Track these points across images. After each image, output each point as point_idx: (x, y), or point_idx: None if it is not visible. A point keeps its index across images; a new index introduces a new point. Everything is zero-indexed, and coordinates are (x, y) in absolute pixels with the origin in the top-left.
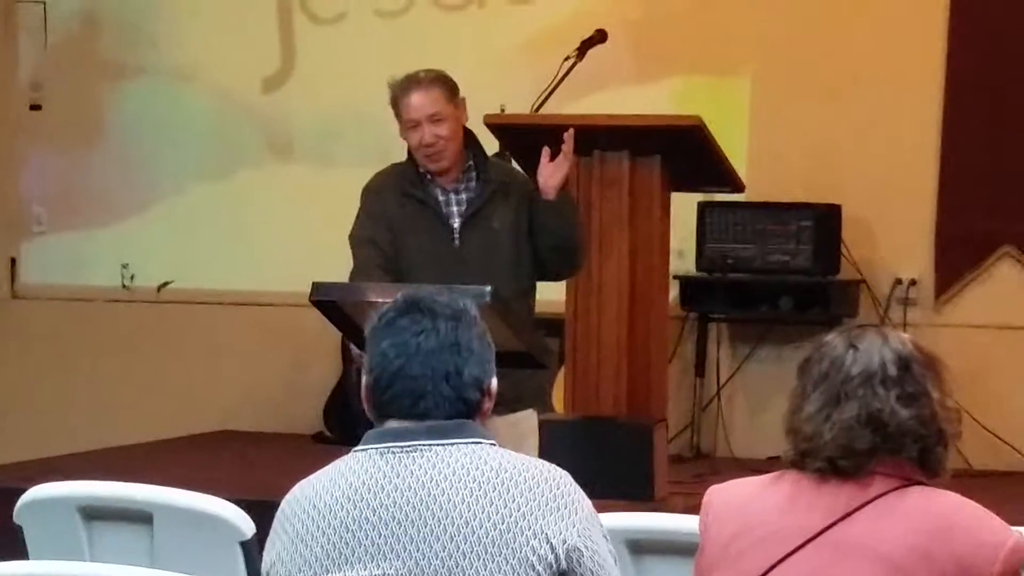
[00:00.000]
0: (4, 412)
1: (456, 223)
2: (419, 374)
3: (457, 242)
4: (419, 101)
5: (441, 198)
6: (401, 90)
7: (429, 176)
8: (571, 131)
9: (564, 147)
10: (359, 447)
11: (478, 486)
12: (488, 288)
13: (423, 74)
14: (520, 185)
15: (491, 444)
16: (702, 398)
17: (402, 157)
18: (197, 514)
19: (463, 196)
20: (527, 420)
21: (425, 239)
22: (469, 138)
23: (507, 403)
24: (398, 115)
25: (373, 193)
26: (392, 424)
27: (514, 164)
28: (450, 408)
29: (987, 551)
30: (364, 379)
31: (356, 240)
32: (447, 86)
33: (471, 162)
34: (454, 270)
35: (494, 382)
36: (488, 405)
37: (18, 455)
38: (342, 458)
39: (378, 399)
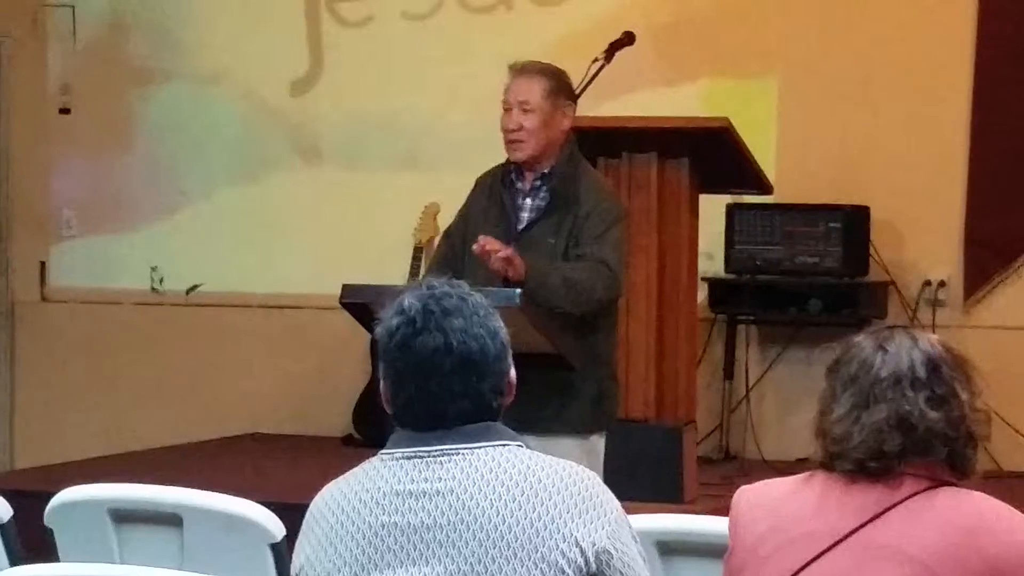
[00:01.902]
0: (34, 415)
1: (519, 229)
2: (437, 396)
3: (514, 248)
4: (517, 86)
5: (518, 201)
6: (513, 72)
7: (515, 176)
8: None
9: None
10: (386, 450)
11: (506, 490)
12: (518, 291)
13: (536, 64)
14: (581, 208)
15: (518, 445)
16: (731, 400)
17: (425, 162)
18: (227, 517)
19: (535, 203)
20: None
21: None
22: (568, 145)
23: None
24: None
25: (476, 185)
26: (417, 430)
27: (599, 176)
28: (472, 417)
29: (1017, 551)
30: (382, 387)
31: (445, 232)
32: (552, 82)
33: (549, 171)
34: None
35: (512, 375)
36: (509, 399)
37: (48, 458)
38: (369, 460)
39: (398, 412)
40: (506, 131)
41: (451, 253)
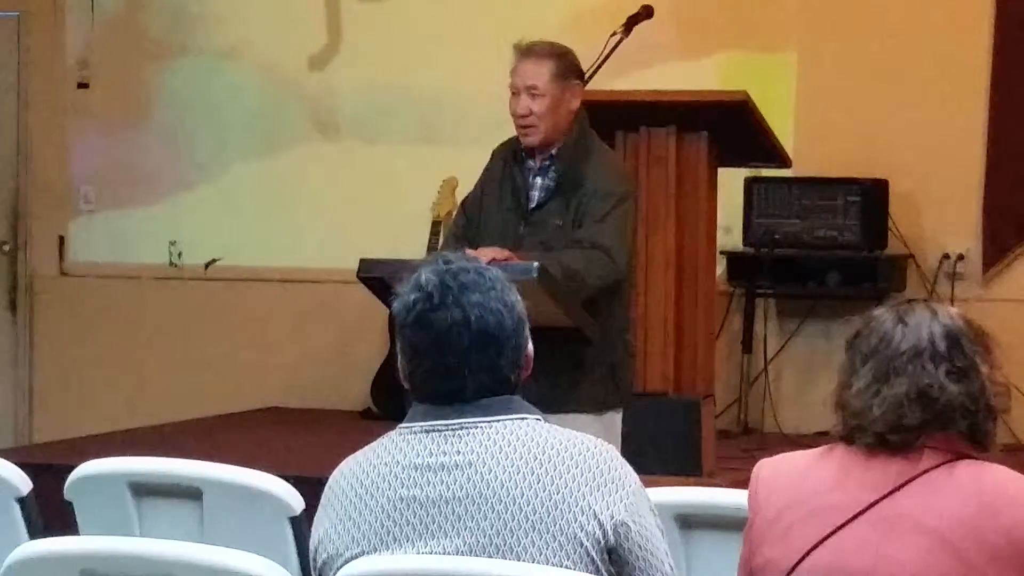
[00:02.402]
0: (53, 389)
1: (529, 207)
2: (455, 371)
3: (522, 228)
4: (524, 70)
5: (529, 179)
6: (518, 56)
7: (525, 154)
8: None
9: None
10: (404, 424)
11: (525, 463)
12: (535, 264)
13: (543, 45)
14: (587, 187)
15: (536, 419)
16: (749, 373)
17: (444, 136)
18: (246, 490)
19: (544, 182)
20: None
21: (499, 218)
22: (578, 124)
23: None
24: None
25: (492, 156)
26: (435, 403)
27: (608, 153)
28: (490, 390)
29: None
30: (399, 362)
31: (461, 204)
32: (560, 64)
33: (557, 151)
34: (514, 252)
35: (530, 348)
36: (528, 372)
37: (67, 432)
38: (388, 434)
39: (416, 387)
40: (516, 116)
41: (468, 224)
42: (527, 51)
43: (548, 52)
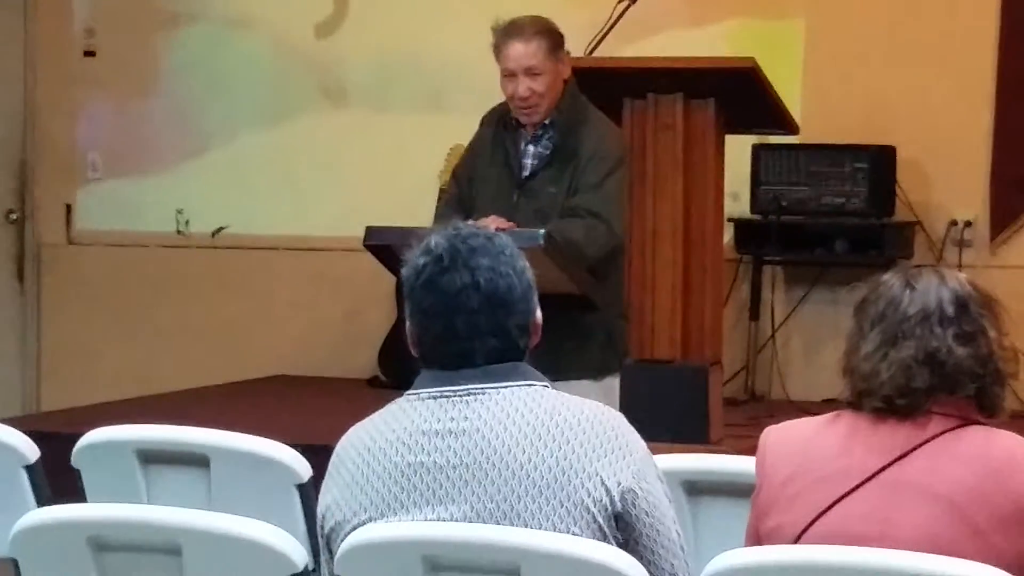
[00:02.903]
0: (60, 358)
1: (523, 177)
2: (464, 333)
3: (516, 197)
4: (518, 52)
5: (521, 147)
6: (503, 37)
7: (516, 122)
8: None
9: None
10: (411, 391)
11: (532, 429)
12: (541, 231)
13: (528, 23)
14: (582, 153)
15: (544, 386)
16: (757, 341)
17: (451, 103)
18: (254, 457)
19: (537, 150)
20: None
21: (493, 187)
22: (568, 90)
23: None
24: (498, 61)
25: (481, 126)
26: (444, 369)
27: (601, 119)
28: (499, 355)
29: None
30: (408, 328)
31: (453, 173)
32: (551, 39)
33: (551, 119)
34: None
35: (539, 315)
36: (535, 339)
37: (75, 400)
38: (395, 401)
39: (425, 353)
40: (517, 99)
41: (460, 194)
42: (512, 32)
43: (536, 30)
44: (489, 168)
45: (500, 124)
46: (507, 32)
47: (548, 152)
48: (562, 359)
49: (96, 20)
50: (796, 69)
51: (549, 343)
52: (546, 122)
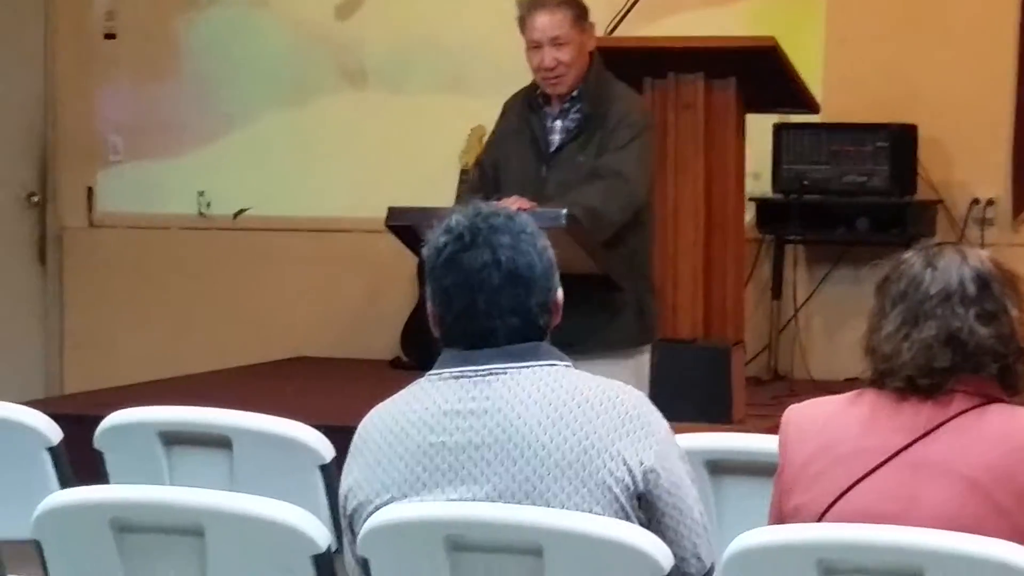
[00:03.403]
0: (83, 340)
1: (550, 151)
2: (485, 311)
3: (544, 171)
4: (543, 23)
5: (547, 124)
6: (528, 9)
7: (542, 100)
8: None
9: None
10: (433, 371)
11: (554, 409)
12: (564, 211)
13: None
14: (609, 122)
15: (566, 365)
16: (779, 320)
17: (471, 84)
18: (276, 438)
19: (564, 124)
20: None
21: (519, 165)
22: (594, 63)
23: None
24: (522, 33)
25: (504, 110)
26: (464, 349)
27: (626, 89)
28: (520, 334)
29: None
30: (429, 308)
31: (477, 160)
32: (575, 9)
33: (577, 93)
34: (537, 198)
35: (559, 295)
36: (557, 319)
37: (97, 383)
38: (417, 382)
39: (446, 332)
40: (543, 69)
41: (484, 180)
42: (537, 3)
43: (560, 2)
44: (515, 148)
45: (525, 106)
46: (532, 4)
47: (575, 125)
48: (593, 336)
49: (116, 2)
50: (817, 48)
51: (576, 319)
52: (573, 95)
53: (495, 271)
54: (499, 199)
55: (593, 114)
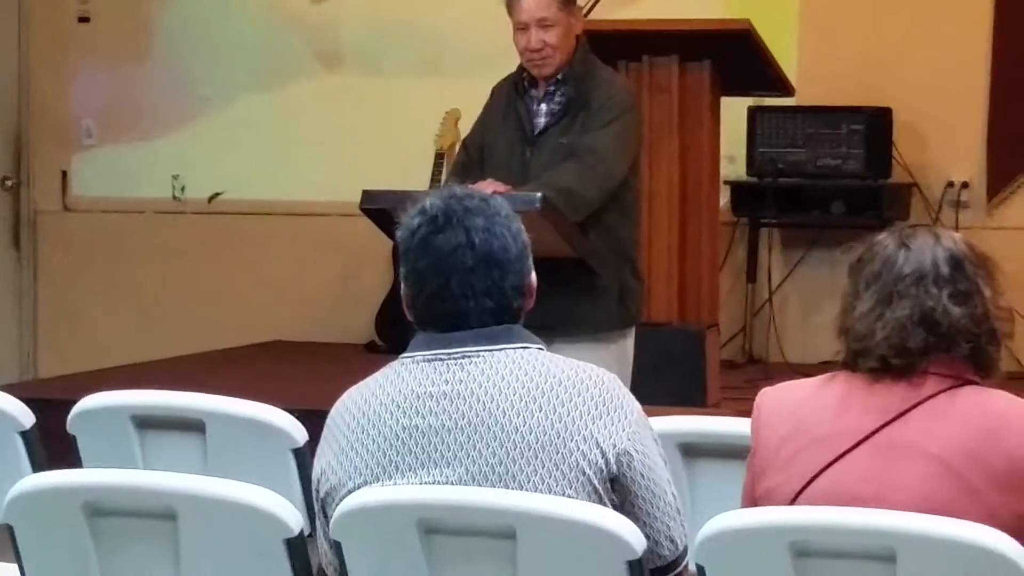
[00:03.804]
0: (56, 324)
1: (535, 133)
2: (459, 293)
3: (529, 153)
4: (530, 4)
5: (532, 107)
6: None
7: (528, 84)
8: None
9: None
10: (407, 354)
11: (527, 392)
12: (538, 195)
13: None
14: (592, 105)
15: (539, 348)
16: (754, 303)
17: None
18: (249, 422)
19: (549, 107)
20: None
21: (505, 147)
22: (580, 48)
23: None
24: (510, 15)
25: (492, 93)
26: (438, 332)
27: (611, 73)
28: (494, 317)
29: None
30: (403, 291)
31: (463, 142)
32: None
33: (563, 76)
34: (521, 180)
35: (533, 278)
36: (530, 302)
37: (71, 367)
38: (390, 365)
39: (419, 315)
40: (529, 51)
41: (469, 162)
42: None
43: None
44: (501, 131)
45: (511, 89)
46: None
47: (560, 107)
48: (571, 317)
49: None
50: (792, 31)
51: (556, 301)
52: (558, 78)
53: (469, 253)
54: (473, 182)
55: (577, 97)
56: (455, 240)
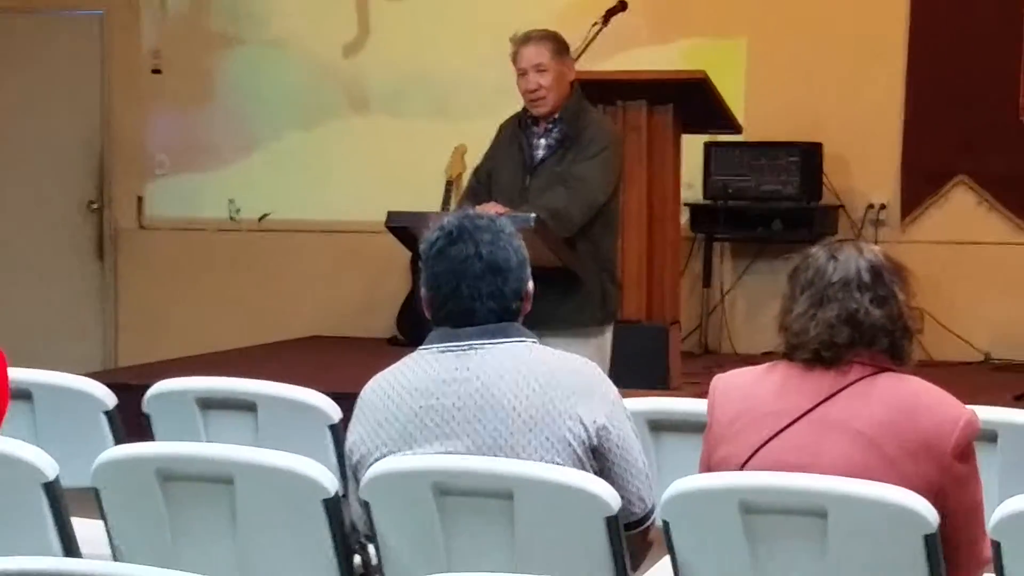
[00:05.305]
0: (133, 324)
1: (534, 164)
2: (468, 295)
3: (528, 180)
4: (528, 53)
5: (533, 141)
6: (518, 43)
7: (531, 121)
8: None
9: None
10: (424, 346)
11: (522, 377)
12: (532, 215)
13: (537, 32)
14: (583, 140)
15: (533, 342)
16: (709, 304)
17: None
18: (293, 403)
19: (547, 141)
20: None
21: (509, 175)
22: (574, 93)
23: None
24: (514, 64)
25: (499, 130)
26: (450, 328)
27: (601, 116)
28: (496, 316)
29: (946, 426)
30: (423, 293)
31: (474, 170)
32: (555, 44)
33: (559, 116)
34: (521, 202)
35: (530, 286)
36: (528, 306)
37: (146, 357)
38: (411, 355)
39: (435, 313)
40: (528, 92)
41: (478, 186)
42: (525, 39)
43: (544, 35)
44: (506, 161)
45: (516, 125)
46: (521, 40)
47: (555, 142)
48: (561, 316)
49: (162, 43)
50: (740, 80)
51: (550, 302)
52: (555, 117)
53: (477, 262)
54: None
55: (570, 133)
56: (466, 251)
